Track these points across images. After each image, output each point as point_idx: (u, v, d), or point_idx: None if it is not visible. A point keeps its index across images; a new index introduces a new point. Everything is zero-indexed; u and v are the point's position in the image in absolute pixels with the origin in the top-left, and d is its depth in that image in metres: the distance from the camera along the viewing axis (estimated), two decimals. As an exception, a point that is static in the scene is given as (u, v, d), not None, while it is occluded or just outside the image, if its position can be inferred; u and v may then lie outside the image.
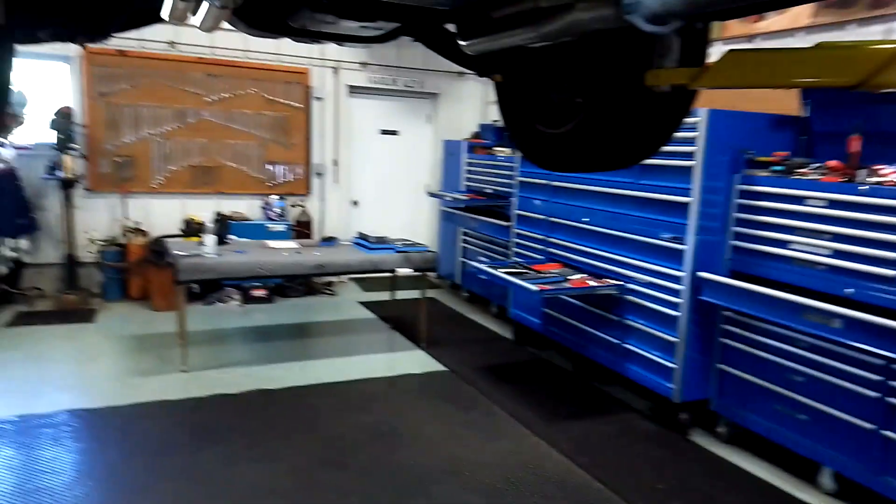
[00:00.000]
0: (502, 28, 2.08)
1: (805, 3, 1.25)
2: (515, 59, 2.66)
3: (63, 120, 7.78)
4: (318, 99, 9.64)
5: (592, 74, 2.68)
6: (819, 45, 2.19)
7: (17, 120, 7.61)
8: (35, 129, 7.81)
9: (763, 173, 4.86)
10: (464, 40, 2.32)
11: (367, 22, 2.17)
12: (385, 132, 10.43)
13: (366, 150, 10.27)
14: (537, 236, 7.00)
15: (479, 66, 2.94)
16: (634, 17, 1.55)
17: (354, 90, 9.98)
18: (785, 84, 2.27)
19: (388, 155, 10.47)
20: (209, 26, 1.68)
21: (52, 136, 7.80)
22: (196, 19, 1.87)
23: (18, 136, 7.70)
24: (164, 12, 1.69)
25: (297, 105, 9.49)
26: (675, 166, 5.26)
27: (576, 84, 2.79)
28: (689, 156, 5.17)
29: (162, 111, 8.72)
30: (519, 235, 7.35)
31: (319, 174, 9.80)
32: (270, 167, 9.44)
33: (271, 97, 9.32)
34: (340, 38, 2.46)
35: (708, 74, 2.24)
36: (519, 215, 7.36)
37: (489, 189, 8.48)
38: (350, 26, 2.24)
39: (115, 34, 2.19)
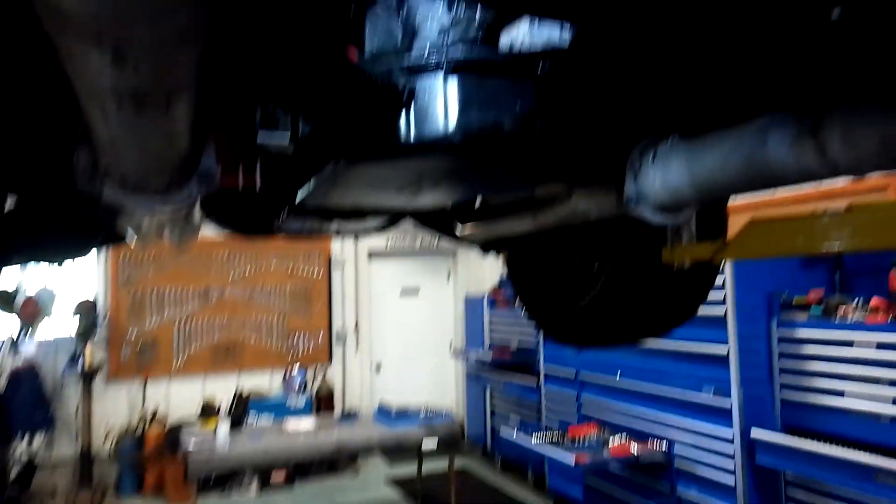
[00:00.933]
0: (499, 215, 1.97)
1: (806, 181, 1.09)
2: (520, 238, 2.55)
3: (86, 310, 7.85)
4: (338, 266, 9.73)
5: (605, 249, 2.55)
6: (851, 208, 2.02)
7: (44, 315, 7.71)
8: (59, 320, 7.87)
9: (802, 316, 4.56)
10: (462, 223, 2.22)
11: (358, 221, 2.08)
12: (406, 292, 10.39)
13: (387, 312, 10.17)
14: (569, 394, 6.59)
15: (482, 245, 2.83)
16: (640, 210, 1.41)
17: (374, 254, 10.09)
18: (817, 252, 2.09)
19: (409, 315, 10.35)
20: (182, 244, 1.57)
21: (73, 327, 7.83)
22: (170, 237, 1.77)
23: (42, 329, 7.75)
24: (129, 240, 1.59)
25: (317, 274, 9.56)
26: (707, 316, 4.98)
27: (588, 259, 2.65)
28: (719, 302, 4.91)
29: (185, 292, 8.82)
30: (549, 394, 6.94)
31: (341, 340, 9.64)
32: (292, 338, 9.32)
33: (292, 268, 9.42)
34: (337, 234, 2.38)
35: (729, 248, 2.07)
36: (547, 373, 7.00)
37: (514, 344, 8.19)
38: (344, 226, 2.16)
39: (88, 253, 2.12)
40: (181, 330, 8.75)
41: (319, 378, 9.26)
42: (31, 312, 7.49)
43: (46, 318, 7.67)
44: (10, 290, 7.28)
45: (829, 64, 1.01)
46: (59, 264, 2.08)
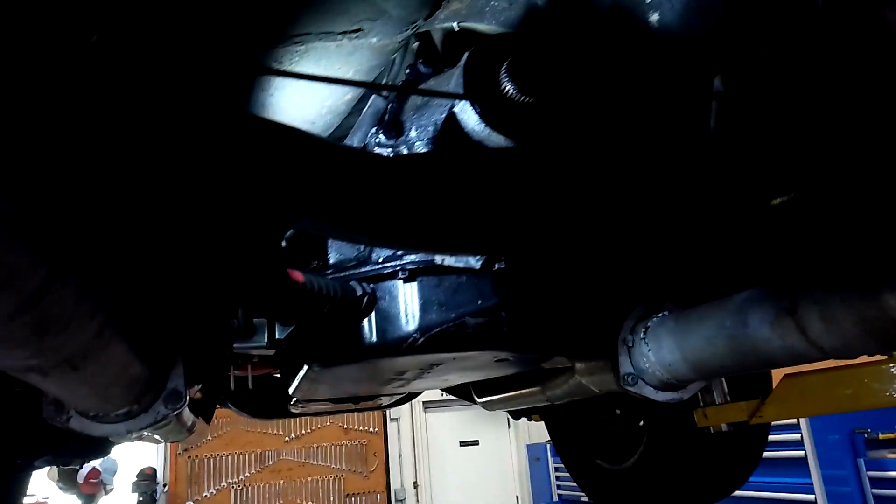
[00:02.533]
0: (511, 387, 1.90)
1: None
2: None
3: (145, 482, 7.84)
4: (394, 420, 9.54)
5: (647, 409, 2.40)
6: (894, 357, 1.86)
7: (106, 489, 7.73)
8: (118, 494, 7.86)
9: (892, 454, 4.10)
10: (479, 397, 2.15)
11: (371, 400, 2.04)
12: (465, 444, 9.99)
13: (447, 467, 9.74)
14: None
15: (511, 412, 2.71)
16: (640, 389, 1.32)
17: (429, 405, 9.88)
18: (865, 407, 1.90)
19: (470, 468, 9.87)
20: (175, 439, 1.56)
21: (133, 500, 7.79)
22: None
23: (103, 502, 7.73)
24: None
25: (373, 430, 9.37)
26: (785, 458, 4.55)
27: (631, 420, 2.50)
28: (797, 444, 4.50)
29: (242, 457, 8.75)
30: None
31: (400, 500, 9.20)
32: (349, 500, 8.97)
33: (348, 426, 9.28)
34: (355, 411, 2.34)
35: (767, 408, 1.91)
36: (620, 530, 6.40)
37: (586, 498, 7.59)
38: (362, 405, 2.12)
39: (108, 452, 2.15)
40: (237, 497, 8.58)
41: (379, 544, 8.76)
42: (93, 486, 7.53)
43: (108, 491, 7.68)
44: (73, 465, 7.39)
45: (801, 239, 0.96)
46: (80, 465, 2.10)
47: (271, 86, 0.84)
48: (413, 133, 0.94)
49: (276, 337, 1.26)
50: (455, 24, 0.91)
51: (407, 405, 9.61)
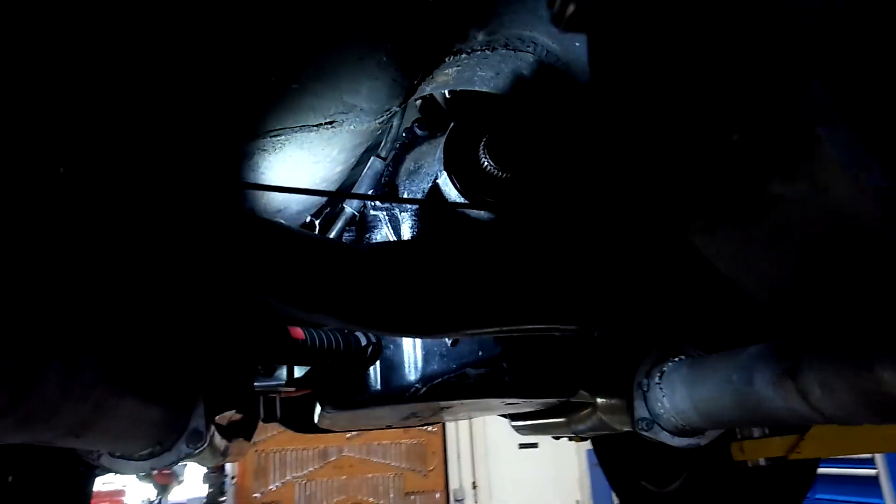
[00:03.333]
0: (541, 416, 1.90)
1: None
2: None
3: (215, 473, 8.22)
4: (453, 420, 9.60)
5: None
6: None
7: (178, 479, 8.16)
8: (190, 485, 8.28)
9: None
10: (513, 421, 2.17)
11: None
12: (524, 446, 9.95)
13: (506, 469, 9.73)
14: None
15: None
16: (656, 434, 1.30)
17: (488, 407, 9.88)
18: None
19: (529, 471, 9.82)
20: (211, 464, 1.65)
21: (203, 490, 8.18)
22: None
23: (175, 493, 8.17)
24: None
25: (432, 429, 9.46)
26: (854, 476, 4.33)
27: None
28: (868, 462, 4.27)
29: (305, 452, 9.02)
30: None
31: (459, 500, 9.27)
32: (409, 498, 9.11)
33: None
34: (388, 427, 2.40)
35: (806, 443, 1.84)
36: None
37: (643, 507, 7.44)
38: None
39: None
40: (302, 491, 8.86)
41: (437, 543, 8.85)
42: (167, 476, 7.96)
43: (180, 482, 8.11)
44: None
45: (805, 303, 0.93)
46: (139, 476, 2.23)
47: (265, 162, 0.89)
48: (404, 194, 0.97)
49: (296, 376, 1.32)
50: (446, 91, 0.93)
51: (466, 406, 9.66)
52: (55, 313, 0.64)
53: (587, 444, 9.57)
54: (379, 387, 1.12)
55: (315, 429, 2.31)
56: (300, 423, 2.31)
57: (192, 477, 8.26)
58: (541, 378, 1.19)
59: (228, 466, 8.60)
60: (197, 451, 1.19)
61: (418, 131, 1.00)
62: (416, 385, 1.10)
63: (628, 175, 0.62)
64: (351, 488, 9.03)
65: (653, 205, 0.55)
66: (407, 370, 1.11)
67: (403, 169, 0.99)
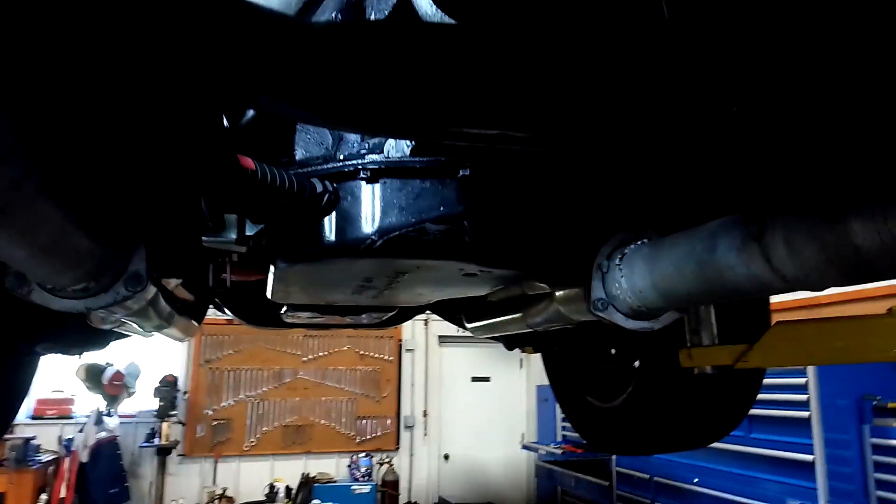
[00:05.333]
0: (496, 313, 1.89)
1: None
2: (549, 336, 2.44)
3: (167, 388, 8.20)
4: (409, 351, 9.72)
5: (639, 348, 2.37)
6: (892, 312, 1.78)
7: (129, 391, 8.11)
8: (140, 397, 8.24)
9: (899, 423, 4.05)
10: (467, 322, 2.16)
11: (362, 315, 2.06)
12: (476, 379, 10.18)
13: (457, 400, 9.96)
14: (642, 499, 6.08)
15: (504, 341, 2.72)
16: (610, 315, 1.29)
17: (445, 339, 10.02)
18: (855, 361, 1.85)
19: (479, 403, 10.07)
20: (155, 330, 1.61)
21: (154, 404, 8.16)
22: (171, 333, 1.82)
23: (125, 405, 8.13)
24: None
25: (388, 358, 9.58)
26: (789, 417, 4.53)
27: (623, 358, 2.48)
28: (803, 405, 4.46)
29: (260, 373, 9.05)
30: (621, 497, 6.43)
31: (409, 427, 9.49)
32: (360, 422, 9.28)
33: (364, 352, 9.50)
34: (349, 327, 2.37)
35: (753, 353, 1.87)
36: (619, 472, 6.52)
37: (586, 440, 7.73)
38: (355, 319, 2.15)
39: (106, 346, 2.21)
40: (254, 410, 8.92)
41: (386, 466, 9.09)
42: (117, 388, 7.91)
43: (130, 394, 8.07)
44: (99, 364, 7.75)
45: (771, 162, 0.91)
46: (79, 355, 2.18)
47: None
48: (372, 17, 0.90)
49: (247, 234, 1.26)
50: None
51: (422, 338, 9.76)
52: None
53: (537, 380, 9.82)
54: (333, 238, 1.07)
55: (266, 321, 2.27)
56: (251, 313, 2.26)
57: (143, 390, 8.22)
58: (501, 245, 1.15)
59: (181, 382, 8.58)
60: (136, 294, 1.13)
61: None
62: (373, 237, 1.05)
63: None
64: (304, 409, 9.14)
65: None
66: (363, 222, 1.06)
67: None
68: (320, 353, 9.30)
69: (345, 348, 9.38)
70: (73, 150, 0.83)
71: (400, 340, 9.66)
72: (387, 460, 9.15)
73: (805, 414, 4.44)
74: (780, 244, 0.88)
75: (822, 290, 0.91)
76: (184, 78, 0.61)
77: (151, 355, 8.49)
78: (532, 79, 0.68)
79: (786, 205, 0.91)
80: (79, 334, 2.14)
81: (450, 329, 9.94)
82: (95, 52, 0.62)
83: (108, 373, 7.78)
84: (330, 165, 1.08)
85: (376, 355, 9.54)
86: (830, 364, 3.63)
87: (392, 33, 0.67)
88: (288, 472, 8.57)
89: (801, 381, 4.44)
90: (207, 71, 0.61)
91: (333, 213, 1.08)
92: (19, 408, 2.48)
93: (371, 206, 1.06)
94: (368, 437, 9.26)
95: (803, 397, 4.44)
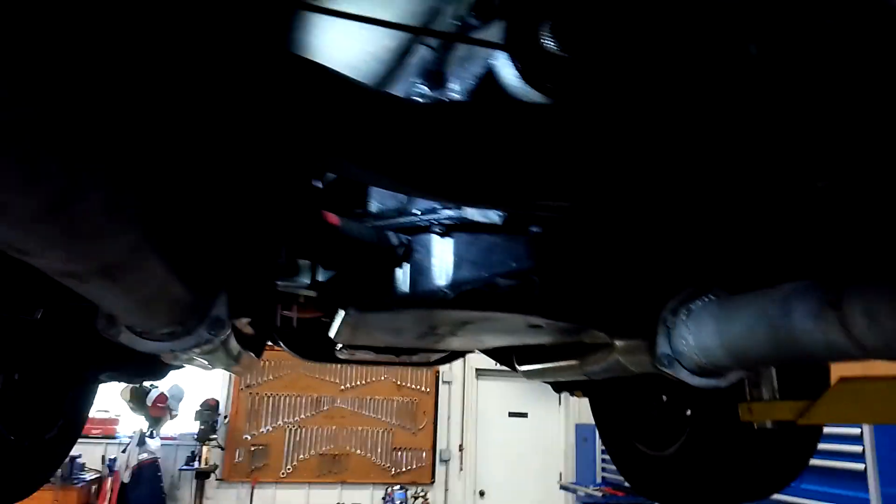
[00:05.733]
0: (551, 358, 1.89)
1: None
2: (601, 381, 2.42)
3: (208, 411, 8.32)
4: (446, 383, 9.69)
5: (694, 396, 2.33)
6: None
7: (172, 414, 8.27)
8: (182, 420, 8.38)
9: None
10: (519, 365, 2.16)
11: (415, 355, 2.08)
12: (513, 415, 10.06)
13: (493, 435, 9.84)
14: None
15: (552, 384, 2.70)
16: (676, 371, 1.29)
17: (482, 373, 9.96)
18: (925, 422, 1.78)
19: (516, 439, 9.93)
20: (222, 367, 1.66)
21: (195, 427, 8.29)
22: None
23: (167, 427, 8.28)
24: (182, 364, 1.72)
25: (425, 390, 9.56)
26: (843, 469, 4.35)
27: (677, 406, 2.44)
28: (858, 457, 4.28)
29: (299, 400, 9.13)
30: (663, 545, 6.21)
31: (445, 461, 9.40)
32: (396, 454, 9.24)
33: (401, 383, 9.50)
34: (400, 364, 2.40)
35: (815, 410, 1.82)
36: (661, 519, 6.32)
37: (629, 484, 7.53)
38: (405, 359, 2.17)
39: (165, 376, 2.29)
40: (292, 437, 8.98)
41: (420, 500, 9.00)
42: (160, 410, 8.07)
43: (173, 416, 8.22)
44: (144, 386, 7.92)
45: (851, 230, 0.91)
46: (148, 389, 2.27)
47: (313, 27, 0.85)
48: (455, 85, 0.93)
49: (319, 279, 1.30)
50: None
51: (459, 370, 9.73)
52: (101, 126, 0.61)
53: (576, 418, 9.65)
54: (407, 289, 1.10)
55: (320, 356, 2.31)
56: (306, 348, 2.31)
57: (185, 413, 8.36)
58: (569, 300, 1.17)
59: (222, 406, 8.71)
60: (217, 339, 1.18)
61: (471, 20, 0.96)
62: (445, 290, 1.08)
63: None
64: (340, 438, 9.16)
65: None
66: (436, 275, 1.09)
67: (453, 57, 0.96)
68: (358, 383, 9.34)
69: (382, 378, 9.41)
70: (182, 211, 0.89)
71: (437, 372, 9.64)
72: (422, 494, 9.07)
73: (860, 466, 4.26)
74: (859, 314, 0.88)
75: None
76: (290, 156, 0.65)
77: (194, 378, 8.65)
78: (607, 158, 0.71)
79: (864, 274, 0.91)
80: (142, 365, 2.23)
81: (487, 362, 9.85)
82: (213, 131, 0.67)
83: (153, 395, 7.95)
84: (404, 219, 1.12)
85: (413, 386, 9.54)
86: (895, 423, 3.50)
87: (480, 113, 0.70)
88: (322, 501, 8.57)
89: (856, 431, 4.27)
90: (309, 149, 0.65)
91: (406, 265, 1.12)
92: (82, 429, 2.57)
93: (443, 260, 1.09)
94: (404, 469, 9.21)
95: (858, 448, 4.27)
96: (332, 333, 1.50)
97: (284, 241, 1.08)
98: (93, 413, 8.76)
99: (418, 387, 9.55)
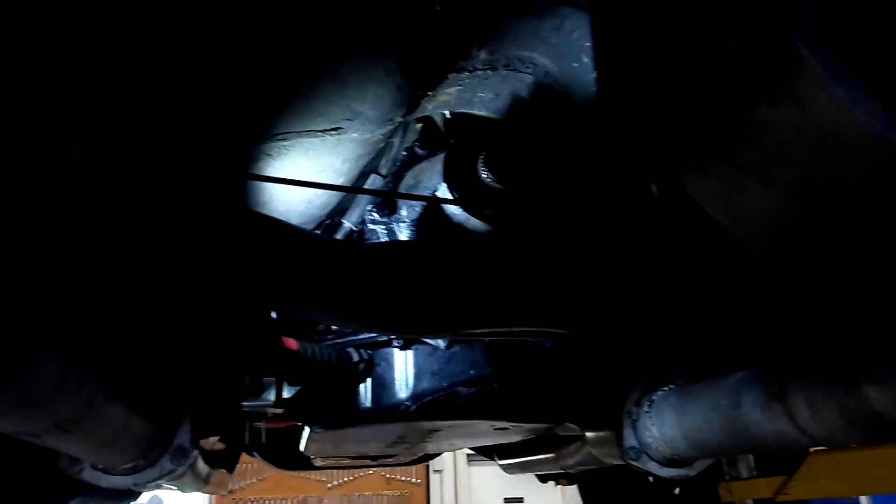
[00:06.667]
0: (528, 452, 1.89)
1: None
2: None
3: (189, 522, 7.92)
4: (437, 472, 9.40)
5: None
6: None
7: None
8: (163, 535, 7.95)
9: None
10: (499, 459, 2.15)
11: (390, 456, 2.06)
12: (509, 500, 9.72)
13: (489, 524, 9.47)
14: None
15: (538, 475, 2.67)
16: (644, 464, 1.30)
17: (473, 459, 9.69)
18: (900, 491, 1.79)
19: (514, 527, 9.56)
20: (191, 490, 1.62)
21: (177, 541, 7.86)
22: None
23: (147, 543, 7.85)
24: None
25: (415, 481, 9.25)
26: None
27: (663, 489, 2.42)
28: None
29: (284, 502, 8.77)
30: None
31: (441, 558, 8.98)
32: (389, 554, 8.83)
33: (391, 475, 9.20)
34: (371, 466, 2.36)
35: (795, 485, 1.82)
36: None
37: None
38: (381, 461, 2.15)
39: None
40: (279, 544, 8.56)
41: None
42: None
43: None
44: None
45: (791, 323, 0.96)
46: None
47: (268, 168, 0.91)
48: (404, 212, 0.99)
49: (285, 396, 1.31)
50: (447, 112, 0.96)
51: (450, 458, 9.49)
52: (56, 297, 0.64)
53: (572, 500, 9.35)
54: (369, 404, 1.12)
55: (296, 464, 2.27)
56: (282, 458, 2.27)
57: (166, 525, 7.95)
58: (531, 402, 1.19)
59: (204, 515, 8.31)
60: (180, 468, 1.17)
61: (418, 150, 1.03)
62: (407, 403, 1.10)
63: (623, 122, 0.65)
64: (330, 541, 8.75)
65: (647, 148, 0.57)
66: (398, 388, 1.11)
67: (403, 185, 1.02)
68: (345, 479, 9.02)
69: (370, 472, 9.11)
70: (140, 353, 0.91)
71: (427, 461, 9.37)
72: None
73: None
74: (802, 405, 0.91)
75: (848, 445, 0.93)
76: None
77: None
78: (547, 279, 0.75)
79: (804, 362, 0.95)
80: (111, 493, 2.16)
81: (478, 447, 9.64)
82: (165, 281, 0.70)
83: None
84: (365, 336, 1.15)
85: (403, 478, 9.22)
86: (875, 495, 3.47)
87: (417, 249, 0.75)
88: None
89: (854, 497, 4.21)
90: (255, 293, 0.69)
91: (369, 380, 1.14)
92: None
93: (405, 373, 1.12)
94: (399, 571, 8.78)
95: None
96: (301, 447, 1.49)
97: (246, 368, 1.10)
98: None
99: (408, 478, 9.25)
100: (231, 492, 8.62)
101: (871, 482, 1.70)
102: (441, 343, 1.07)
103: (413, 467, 9.23)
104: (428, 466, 9.31)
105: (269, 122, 0.81)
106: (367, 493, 9.02)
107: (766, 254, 0.55)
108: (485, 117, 0.93)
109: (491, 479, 9.66)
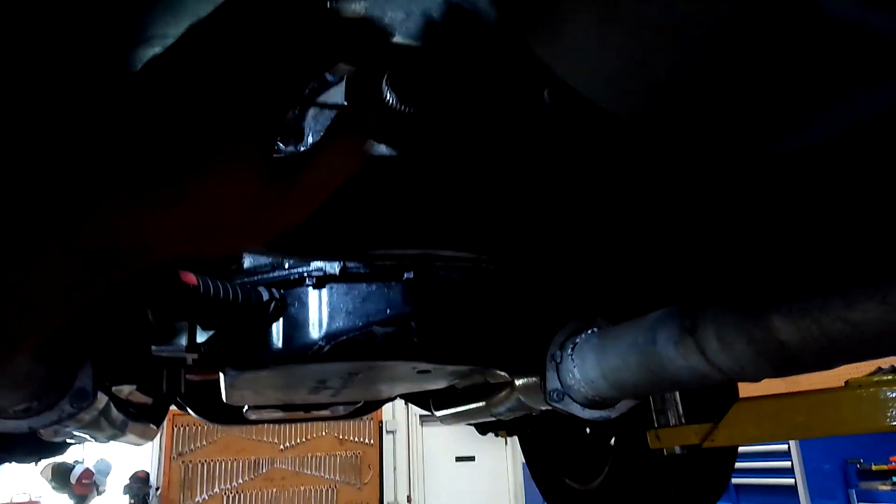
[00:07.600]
0: (462, 401, 1.88)
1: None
2: (521, 421, 2.41)
3: (138, 485, 7.86)
4: (390, 432, 9.49)
5: (613, 428, 2.36)
6: (848, 384, 1.81)
7: (99, 490, 7.75)
8: (111, 496, 7.88)
9: (884, 486, 4.01)
10: (436, 410, 2.14)
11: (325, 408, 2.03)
12: (461, 459, 9.91)
13: (441, 481, 9.66)
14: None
15: (476, 426, 2.69)
16: (566, 405, 1.30)
17: (426, 419, 9.81)
18: (817, 434, 1.86)
19: (466, 484, 9.77)
20: (109, 439, 1.56)
21: (124, 502, 7.80)
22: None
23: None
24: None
25: (368, 441, 9.33)
26: (775, 485, 4.46)
27: (598, 439, 2.46)
28: (787, 472, 4.40)
29: (235, 464, 8.74)
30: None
31: (393, 514, 9.14)
32: (343, 512, 8.93)
33: (343, 436, 9.25)
34: (312, 420, 2.33)
35: (720, 432, 1.87)
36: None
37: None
38: (315, 413, 2.11)
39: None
40: (230, 504, 8.56)
41: (369, 557, 8.69)
42: (86, 487, 7.55)
43: (100, 492, 7.70)
44: (67, 462, 7.40)
45: (704, 253, 0.94)
46: (35, 463, 2.12)
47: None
48: (310, 139, 0.94)
49: (198, 341, 1.25)
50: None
51: (403, 418, 9.56)
52: None
53: (523, 458, 9.60)
54: (280, 345, 1.08)
55: (228, 418, 2.22)
56: (212, 411, 2.21)
57: (113, 488, 7.86)
58: (451, 343, 1.16)
59: (153, 477, 8.24)
60: (82, 412, 1.11)
61: (329, 77, 0.97)
62: (320, 343, 1.06)
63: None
64: (283, 501, 8.78)
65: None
66: (311, 327, 1.07)
67: (309, 113, 0.97)
68: (298, 441, 9.03)
69: (324, 434, 9.13)
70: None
71: (381, 422, 9.44)
72: (370, 552, 8.76)
73: (790, 481, 4.39)
74: (712, 338, 0.91)
75: (759, 381, 0.93)
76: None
77: (122, 450, 8.17)
78: (456, 205, 0.72)
79: (717, 296, 0.94)
80: (32, 444, 2.08)
81: (431, 408, 9.75)
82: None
83: (77, 471, 7.44)
84: (276, 273, 1.10)
85: (356, 439, 9.29)
86: (793, 439, 3.62)
87: None
88: (266, 570, 8.14)
89: (784, 447, 4.41)
90: None
91: (281, 320, 1.09)
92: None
93: (318, 312, 1.07)
94: (350, 527, 8.90)
95: (787, 464, 4.40)
96: (223, 396, 1.44)
97: (147, 304, 1.04)
98: (10, 497, 8.10)
99: (362, 439, 9.32)
100: (181, 454, 8.54)
101: (793, 427, 1.75)
102: (336, 267, 1.03)
103: (366, 429, 9.28)
104: (381, 427, 9.38)
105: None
106: (319, 453, 9.05)
107: (628, 119, 0.51)
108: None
109: (443, 439, 9.82)
